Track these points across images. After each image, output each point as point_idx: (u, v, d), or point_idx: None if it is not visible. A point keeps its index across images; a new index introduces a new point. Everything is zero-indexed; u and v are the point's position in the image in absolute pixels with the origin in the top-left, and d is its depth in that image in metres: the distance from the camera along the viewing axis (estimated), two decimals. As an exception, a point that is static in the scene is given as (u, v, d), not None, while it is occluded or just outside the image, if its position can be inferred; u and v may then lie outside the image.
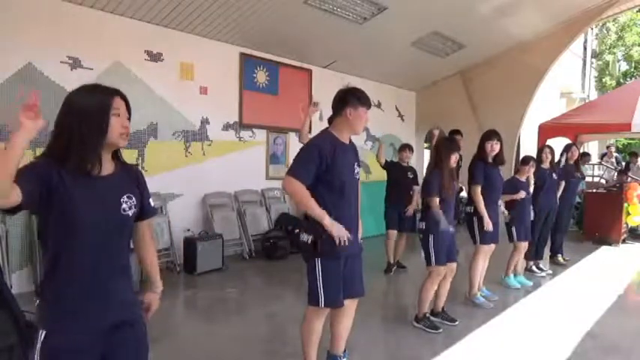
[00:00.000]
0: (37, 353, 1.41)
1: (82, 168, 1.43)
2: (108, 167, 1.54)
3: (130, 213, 1.55)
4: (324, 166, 2.50)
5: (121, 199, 1.53)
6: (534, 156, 5.55)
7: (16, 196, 1.27)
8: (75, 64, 4.87)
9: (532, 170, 5.06)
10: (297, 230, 6.64)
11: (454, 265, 3.91)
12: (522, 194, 4.76)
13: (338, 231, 2.45)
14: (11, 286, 3.96)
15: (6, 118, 4.43)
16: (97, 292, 1.47)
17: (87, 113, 1.45)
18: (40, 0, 4.61)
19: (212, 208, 6.13)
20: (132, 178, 1.62)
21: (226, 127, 6.44)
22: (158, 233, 5.38)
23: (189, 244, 5.43)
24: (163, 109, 5.65)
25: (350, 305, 2.78)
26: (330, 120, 2.82)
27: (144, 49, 5.47)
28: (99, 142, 1.46)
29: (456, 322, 3.92)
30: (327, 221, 2.45)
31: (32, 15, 4.55)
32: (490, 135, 4.40)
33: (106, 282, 1.50)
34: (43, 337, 1.41)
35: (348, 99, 2.61)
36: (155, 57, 5.58)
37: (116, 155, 1.59)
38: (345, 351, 2.89)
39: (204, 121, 6.14)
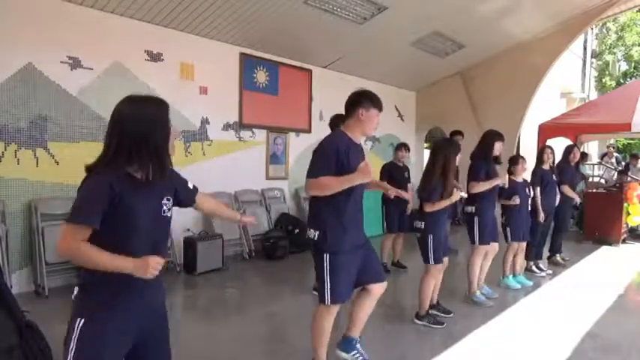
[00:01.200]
0: (75, 339, 1.52)
1: (163, 175, 1.61)
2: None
3: (169, 214, 1.74)
4: (340, 164, 2.57)
5: (162, 202, 1.70)
6: (535, 156, 5.56)
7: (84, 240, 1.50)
8: (75, 64, 4.87)
9: (525, 167, 5.04)
10: (297, 230, 6.66)
11: (446, 259, 3.97)
12: (517, 201, 4.75)
13: (363, 173, 2.49)
14: (11, 286, 3.96)
15: (6, 118, 4.43)
16: (143, 287, 1.60)
17: (161, 123, 1.62)
18: (40, 0, 4.61)
19: (212, 208, 6.12)
20: (168, 178, 1.74)
21: (226, 127, 6.44)
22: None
23: (189, 244, 5.43)
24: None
25: (377, 290, 2.84)
26: (334, 122, 2.85)
27: (144, 49, 5.47)
28: (167, 150, 1.65)
29: (451, 314, 4.02)
30: (355, 174, 2.49)
31: (32, 15, 4.55)
32: (500, 136, 4.47)
33: (149, 281, 1.60)
34: (81, 324, 1.53)
35: (361, 100, 2.72)
36: (155, 57, 5.58)
37: None
38: (360, 336, 2.97)
39: (204, 121, 6.14)
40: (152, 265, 1.53)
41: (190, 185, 1.94)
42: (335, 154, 2.58)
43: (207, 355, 3.33)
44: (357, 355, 2.95)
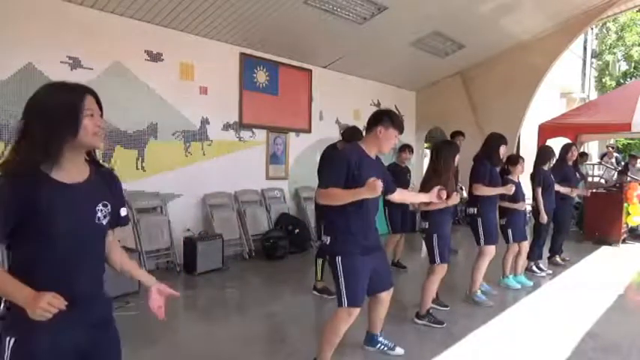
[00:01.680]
0: (7, 358, 1.35)
1: (38, 170, 1.35)
2: (83, 171, 1.47)
3: (105, 222, 1.50)
4: (350, 175, 2.66)
5: (96, 208, 1.47)
6: (535, 156, 5.56)
7: None
8: (75, 64, 4.87)
9: (523, 168, 5.05)
10: (297, 230, 6.66)
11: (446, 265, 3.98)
12: (523, 207, 4.81)
13: (371, 188, 2.50)
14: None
15: (6, 118, 4.43)
16: (71, 300, 1.35)
17: (55, 114, 1.36)
18: (40, 0, 4.61)
19: (212, 208, 6.13)
20: (107, 184, 1.55)
21: (226, 127, 6.44)
22: (158, 233, 5.39)
23: (189, 244, 5.43)
24: (163, 109, 5.65)
25: (385, 297, 3.05)
26: (348, 133, 2.91)
27: (144, 49, 5.47)
28: (63, 144, 1.37)
29: (447, 307, 4.19)
30: (363, 188, 2.54)
31: (32, 15, 4.55)
32: (505, 139, 4.52)
33: (81, 290, 1.43)
34: (12, 343, 1.36)
35: (382, 119, 2.83)
36: (155, 57, 5.58)
37: (91, 157, 1.52)
38: (381, 331, 3.30)
39: (204, 121, 6.14)
40: (42, 307, 1.24)
41: (123, 212, 1.63)
42: (346, 166, 2.67)
43: (208, 355, 3.33)
44: (381, 346, 3.30)
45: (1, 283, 1.31)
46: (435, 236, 3.78)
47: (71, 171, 1.43)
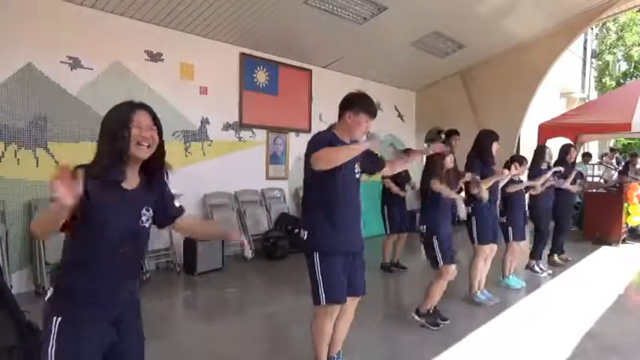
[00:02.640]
0: (54, 337, 1.52)
1: (103, 175, 1.54)
2: (133, 181, 1.66)
3: (147, 224, 1.71)
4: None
5: (141, 212, 1.68)
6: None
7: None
8: (75, 64, 4.87)
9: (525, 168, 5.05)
10: (297, 230, 6.65)
11: (453, 266, 3.86)
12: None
13: (372, 145, 2.43)
14: (11, 286, 3.96)
15: (6, 118, 4.43)
16: (112, 289, 1.62)
17: (110, 127, 1.59)
18: (40, 0, 4.61)
19: (212, 208, 6.13)
20: (153, 190, 1.75)
21: (226, 127, 6.44)
22: (158, 233, 5.38)
23: (189, 244, 5.43)
24: (163, 109, 5.64)
25: (349, 305, 2.78)
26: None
27: (144, 49, 5.47)
28: (120, 154, 1.56)
29: (447, 321, 3.90)
30: (362, 145, 2.44)
31: (32, 15, 4.55)
32: (496, 136, 4.41)
33: (121, 281, 1.65)
34: (58, 322, 1.53)
35: (351, 104, 2.62)
36: (155, 57, 5.58)
37: (146, 168, 1.70)
38: (339, 352, 2.90)
39: (204, 121, 6.14)
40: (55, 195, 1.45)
41: (177, 203, 1.92)
42: (327, 144, 2.50)
43: (207, 355, 3.33)
44: None
45: (40, 222, 1.51)
46: (434, 238, 3.71)
47: (130, 178, 1.65)
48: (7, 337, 2.39)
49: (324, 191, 2.56)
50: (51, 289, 1.61)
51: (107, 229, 1.56)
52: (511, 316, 4.22)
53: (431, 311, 3.89)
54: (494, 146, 4.38)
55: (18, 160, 4.52)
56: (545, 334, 3.77)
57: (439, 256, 3.73)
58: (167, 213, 1.85)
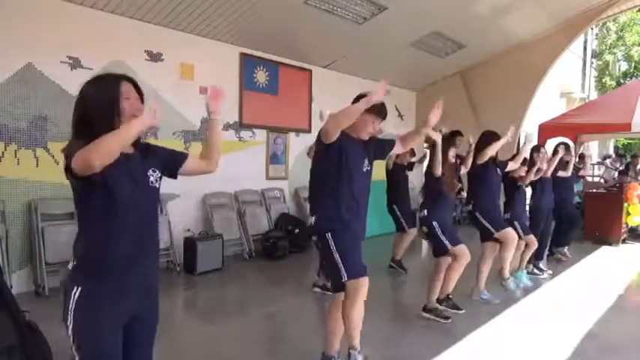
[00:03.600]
0: (73, 306, 1.57)
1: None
2: (130, 147, 1.67)
3: (157, 185, 1.74)
4: (337, 146, 2.55)
5: (148, 173, 1.71)
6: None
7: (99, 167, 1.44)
8: (75, 64, 4.87)
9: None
10: (297, 230, 6.65)
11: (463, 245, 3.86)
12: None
13: (377, 95, 2.34)
14: (11, 286, 3.96)
15: (6, 118, 4.43)
16: (134, 261, 1.63)
17: (99, 101, 1.59)
18: (40, 0, 4.61)
19: (212, 208, 6.13)
20: (150, 152, 1.77)
21: (226, 127, 6.44)
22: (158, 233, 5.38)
23: (189, 244, 5.43)
24: (163, 109, 5.61)
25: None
26: None
27: (144, 49, 5.47)
28: (113, 126, 1.55)
29: (462, 310, 4.00)
30: (367, 98, 2.35)
31: (32, 15, 4.55)
32: (498, 136, 4.41)
33: (142, 252, 1.67)
34: (78, 292, 1.58)
35: (357, 99, 2.62)
36: (155, 57, 5.58)
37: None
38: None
39: (205, 121, 6.13)
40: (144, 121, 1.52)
41: (177, 150, 1.96)
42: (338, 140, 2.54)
43: (208, 355, 3.33)
44: None
45: (114, 135, 1.47)
46: (435, 224, 3.73)
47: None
48: (6, 337, 2.39)
49: (334, 183, 2.59)
50: (73, 258, 1.65)
51: (122, 196, 1.57)
52: (511, 316, 4.22)
53: (447, 297, 3.96)
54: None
55: (18, 160, 4.51)
56: (545, 334, 3.77)
57: (444, 240, 3.71)
58: (175, 160, 1.87)
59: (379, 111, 2.63)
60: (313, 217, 2.67)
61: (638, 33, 18.28)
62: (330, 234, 2.58)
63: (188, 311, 4.58)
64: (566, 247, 6.48)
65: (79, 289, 1.58)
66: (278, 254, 6.24)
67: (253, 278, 5.60)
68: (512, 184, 4.92)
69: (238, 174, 6.54)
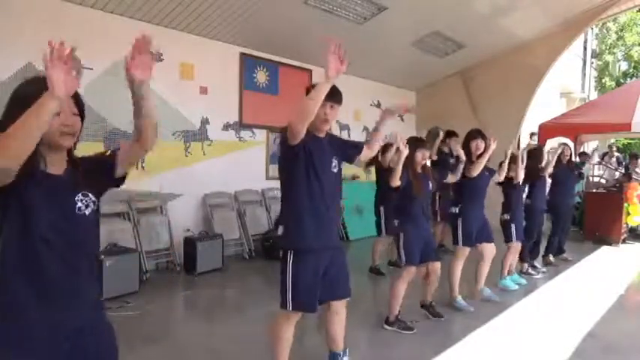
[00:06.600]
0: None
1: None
2: (60, 165, 1.43)
3: (87, 212, 1.42)
4: (301, 146, 2.32)
5: (75, 199, 1.41)
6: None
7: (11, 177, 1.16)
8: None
9: None
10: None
11: (436, 264, 3.81)
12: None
13: (333, 66, 2.05)
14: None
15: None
16: (58, 298, 1.34)
17: (23, 107, 1.24)
18: (40, 0, 4.61)
19: (212, 208, 6.13)
20: (77, 173, 1.45)
21: (226, 127, 6.44)
22: (158, 233, 5.39)
23: (189, 244, 5.42)
24: (163, 109, 5.64)
25: (339, 306, 2.71)
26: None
27: (144, 49, 5.46)
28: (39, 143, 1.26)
29: (443, 318, 3.94)
30: (326, 74, 2.08)
31: (32, 15, 4.55)
32: (475, 134, 4.34)
33: (69, 285, 1.38)
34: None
35: (307, 91, 2.35)
36: (155, 57, 5.57)
37: (70, 157, 1.47)
38: (345, 349, 2.84)
39: (204, 121, 6.14)
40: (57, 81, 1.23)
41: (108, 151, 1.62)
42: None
43: (208, 355, 3.33)
44: None
45: (25, 116, 1.19)
46: (400, 235, 3.63)
47: (55, 162, 1.42)
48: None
49: (303, 186, 2.41)
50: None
51: (39, 219, 1.30)
52: (511, 316, 4.22)
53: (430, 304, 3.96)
54: (473, 144, 4.28)
55: (18, 160, 4.51)
56: (545, 334, 3.77)
57: (402, 253, 3.63)
58: (104, 168, 1.54)
59: (332, 93, 2.24)
60: (281, 228, 2.55)
61: (638, 33, 18.30)
62: (291, 255, 2.45)
63: (188, 311, 4.58)
64: (559, 254, 6.44)
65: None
66: (278, 254, 6.22)
67: (253, 278, 5.60)
68: (508, 184, 4.90)
69: (238, 174, 6.55)
